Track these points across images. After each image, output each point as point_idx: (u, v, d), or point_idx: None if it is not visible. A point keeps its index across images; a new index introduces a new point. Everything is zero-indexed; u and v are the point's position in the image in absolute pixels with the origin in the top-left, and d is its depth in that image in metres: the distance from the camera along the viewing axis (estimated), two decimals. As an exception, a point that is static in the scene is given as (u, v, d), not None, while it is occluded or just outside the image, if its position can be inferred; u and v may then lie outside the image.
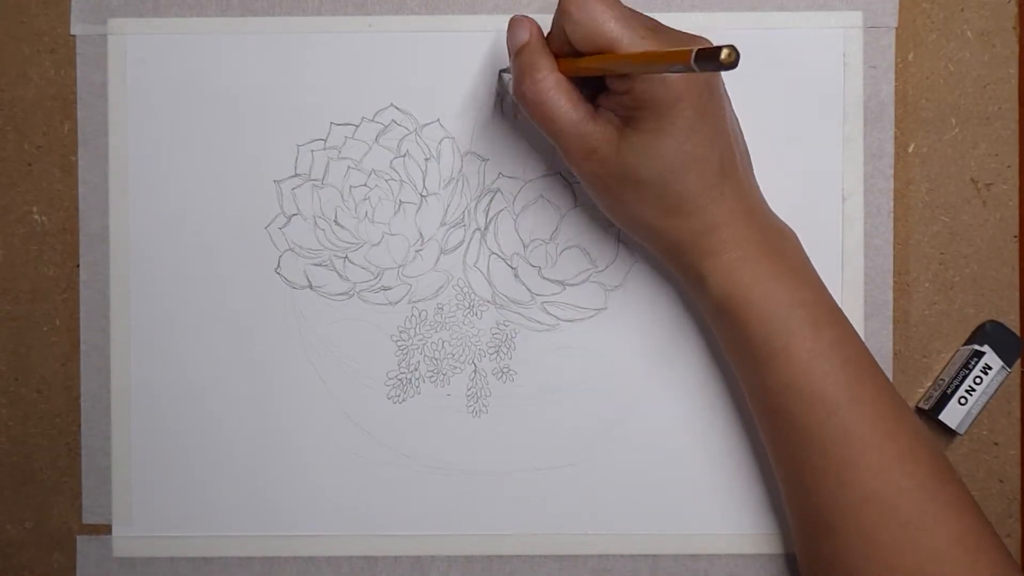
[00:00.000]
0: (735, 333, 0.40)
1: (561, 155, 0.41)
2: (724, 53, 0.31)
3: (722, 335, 0.42)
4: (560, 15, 0.39)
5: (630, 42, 0.37)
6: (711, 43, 0.39)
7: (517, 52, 0.40)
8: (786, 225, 0.42)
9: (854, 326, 0.45)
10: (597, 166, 0.39)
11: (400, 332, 0.46)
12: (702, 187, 0.39)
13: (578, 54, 0.39)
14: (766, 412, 0.41)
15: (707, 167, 0.39)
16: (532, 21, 0.41)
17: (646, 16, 0.39)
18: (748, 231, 0.40)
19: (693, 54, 0.32)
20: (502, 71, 0.46)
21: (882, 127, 0.46)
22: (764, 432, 0.42)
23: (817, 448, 0.39)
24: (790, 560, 0.46)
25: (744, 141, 0.42)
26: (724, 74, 0.41)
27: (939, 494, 0.38)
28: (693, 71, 0.32)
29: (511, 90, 0.41)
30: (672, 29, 0.39)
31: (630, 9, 0.38)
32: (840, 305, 0.45)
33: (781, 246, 0.41)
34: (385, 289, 0.46)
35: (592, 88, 0.40)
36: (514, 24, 0.41)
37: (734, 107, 0.42)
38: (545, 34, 0.41)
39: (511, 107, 0.46)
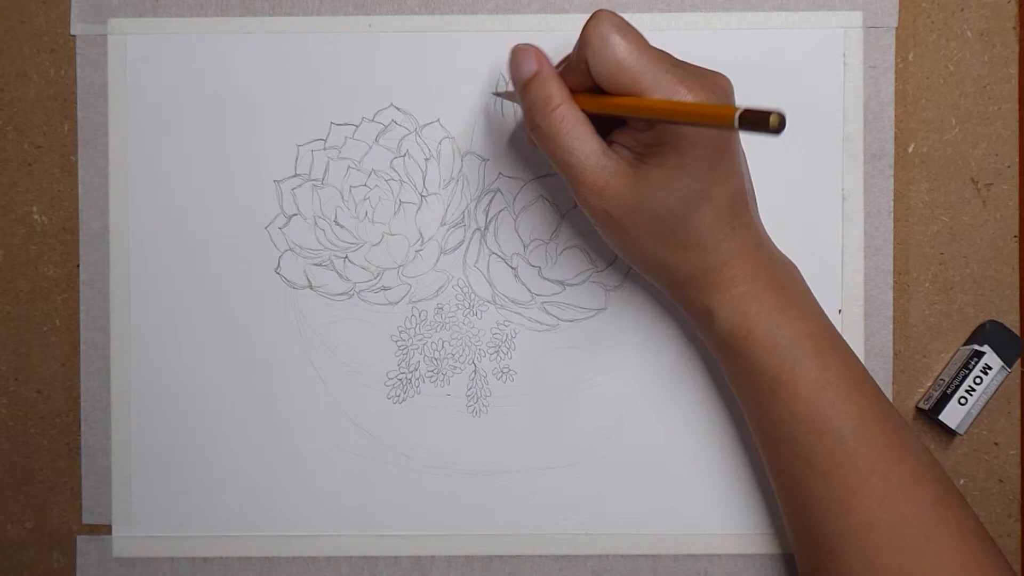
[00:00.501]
0: (741, 365, 0.40)
1: (571, 189, 0.40)
2: (773, 120, 0.30)
3: (728, 367, 0.42)
4: (581, 48, 0.38)
5: (652, 80, 0.37)
6: (731, 88, 0.39)
7: (526, 83, 0.40)
8: (788, 259, 0.42)
9: (855, 327, 0.45)
10: (609, 201, 0.39)
11: (400, 332, 0.46)
12: (715, 223, 0.39)
13: (594, 91, 0.39)
14: (771, 441, 0.41)
15: (721, 204, 0.39)
16: (538, 50, 0.40)
17: (665, 52, 0.38)
18: (755, 266, 0.40)
19: (737, 116, 0.31)
20: (495, 93, 0.45)
21: (882, 127, 0.46)
22: (768, 461, 0.42)
23: (822, 476, 0.39)
24: (789, 560, 0.46)
25: (750, 175, 0.42)
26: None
27: (944, 519, 0.39)
28: (732, 130, 0.32)
29: (523, 120, 0.40)
30: (690, 65, 0.38)
31: (650, 46, 0.38)
32: (840, 305, 0.45)
33: (786, 279, 0.41)
34: (385, 289, 0.46)
35: (604, 122, 0.40)
36: (519, 55, 0.40)
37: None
38: (555, 62, 0.41)
39: (525, 131, 0.46)
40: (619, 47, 0.37)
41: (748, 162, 0.42)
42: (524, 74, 0.40)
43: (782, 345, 0.39)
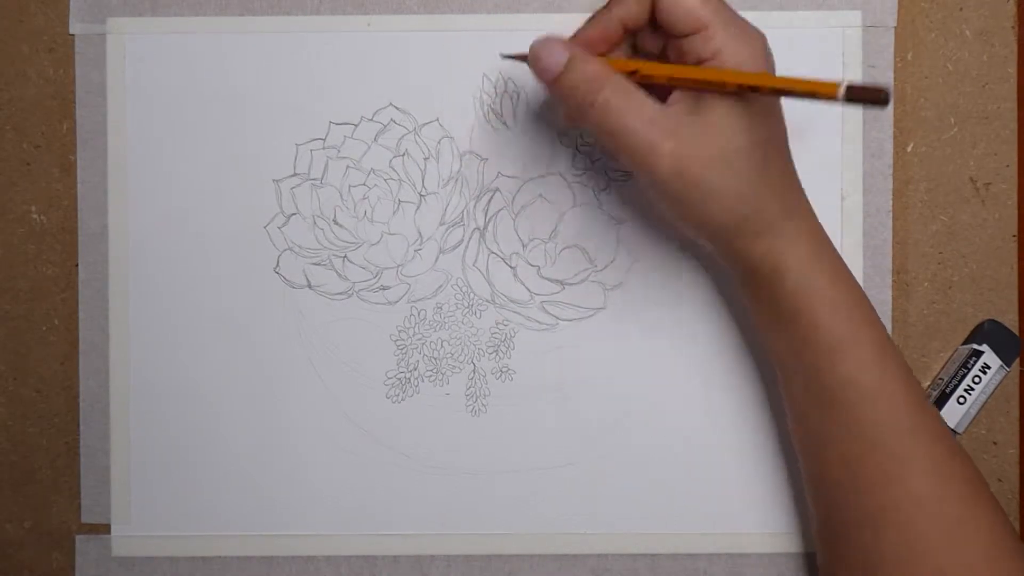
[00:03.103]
0: (803, 325, 0.39)
1: (634, 164, 0.38)
2: (883, 95, 0.33)
3: (785, 329, 0.40)
4: None
5: (720, 22, 0.37)
6: (768, 47, 0.39)
7: (557, 77, 0.38)
8: None
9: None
10: (683, 158, 0.37)
11: (399, 331, 0.46)
12: (787, 161, 0.39)
13: (627, 37, 0.39)
14: (821, 407, 0.40)
15: (782, 145, 0.39)
16: (559, 38, 0.39)
17: None
18: (816, 223, 0.40)
19: (842, 89, 0.33)
20: (504, 55, 0.42)
21: (881, 126, 0.46)
22: (807, 434, 0.41)
23: (873, 446, 0.38)
24: (790, 559, 0.46)
25: None
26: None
27: (977, 501, 0.39)
28: (837, 103, 0.34)
29: (564, 117, 0.40)
30: (736, 16, 0.38)
31: None
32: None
33: (832, 244, 0.41)
34: (384, 288, 0.46)
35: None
36: (543, 49, 0.38)
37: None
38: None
39: (567, 137, 0.45)
40: None
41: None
42: (555, 66, 0.38)
43: (847, 306, 0.39)
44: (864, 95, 0.33)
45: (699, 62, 0.38)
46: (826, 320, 0.39)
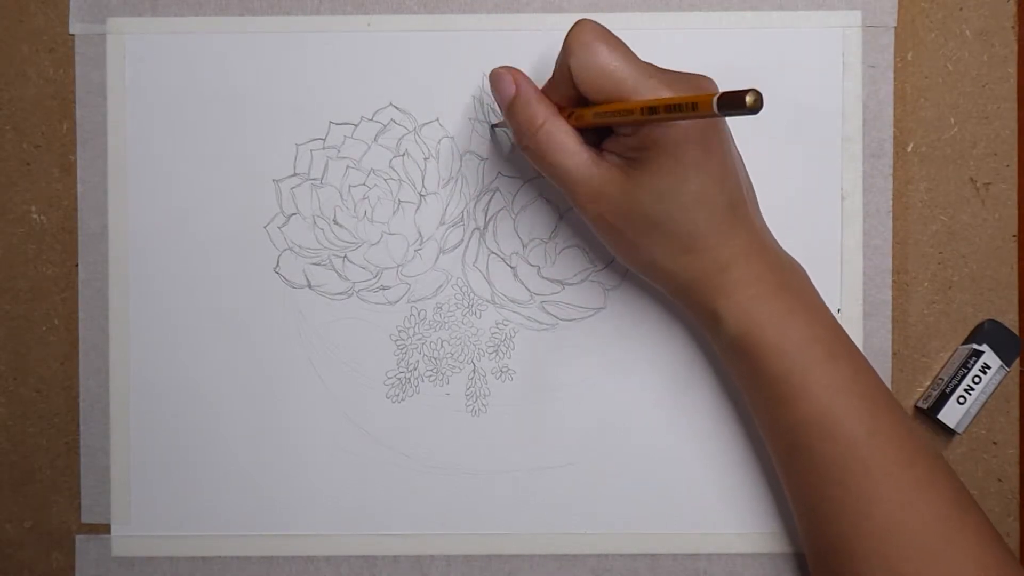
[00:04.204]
0: (752, 371, 0.40)
1: (569, 199, 0.41)
2: (749, 98, 0.30)
3: (739, 373, 0.42)
4: (565, 56, 0.38)
5: (635, 84, 0.37)
6: (715, 87, 0.39)
7: (509, 106, 0.41)
8: (794, 260, 0.42)
9: (854, 326, 0.45)
10: (605, 208, 0.39)
11: (399, 331, 0.46)
12: (712, 225, 0.39)
13: (580, 102, 0.39)
14: (785, 448, 0.41)
15: (716, 204, 0.38)
16: (516, 71, 0.41)
17: (647, 61, 0.38)
18: (760, 268, 0.40)
19: (715, 101, 0.32)
20: (493, 125, 0.46)
21: (881, 126, 0.46)
22: (782, 467, 0.42)
23: (836, 482, 0.39)
24: (789, 559, 0.46)
25: (749, 178, 0.41)
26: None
27: (962, 524, 0.38)
28: (715, 116, 0.32)
29: (514, 140, 0.41)
30: (672, 71, 0.38)
31: (633, 54, 0.38)
32: (839, 304, 0.45)
33: (792, 282, 0.41)
34: (384, 288, 0.46)
35: (594, 133, 0.40)
36: (496, 78, 0.41)
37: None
38: (540, 85, 0.41)
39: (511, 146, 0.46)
40: (601, 53, 0.37)
41: (746, 163, 0.42)
42: (506, 97, 0.41)
43: (792, 350, 0.39)
44: (735, 101, 0.31)
45: (627, 136, 0.38)
46: (771, 366, 0.39)
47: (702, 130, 0.37)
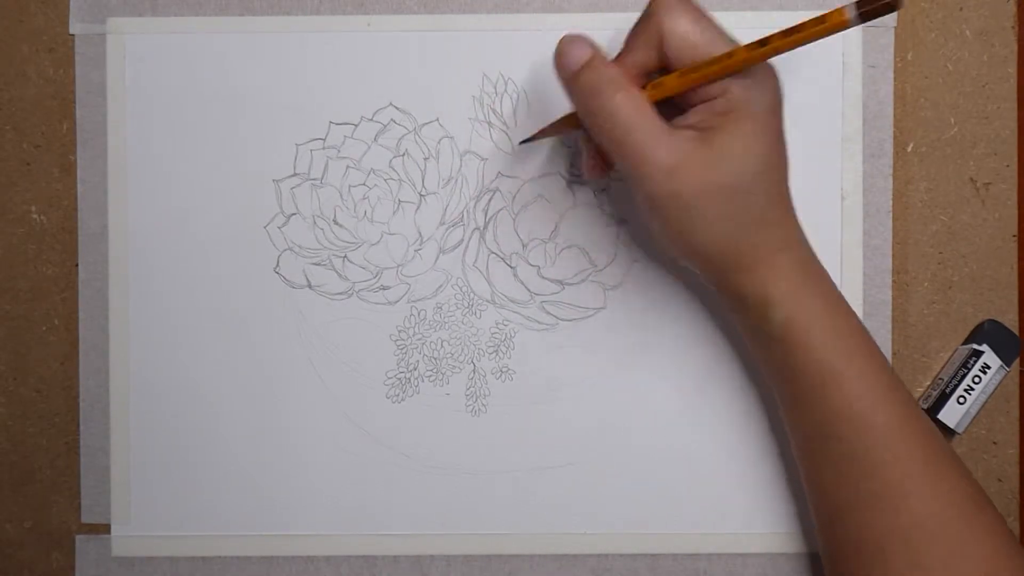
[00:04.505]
0: (793, 358, 0.39)
1: (632, 177, 0.38)
2: None
3: (775, 360, 0.40)
4: (655, 22, 0.37)
5: (724, 42, 0.37)
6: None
7: (576, 72, 0.38)
8: None
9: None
10: (682, 183, 0.37)
11: (399, 331, 0.46)
12: (781, 197, 0.39)
13: (657, 73, 0.38)
14: (816, 439, 0.40)
15: (784, 177, 0.38)
16: (587, 38, 0.39)
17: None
18: (808, 254, 0.40)
19: (854, 5, 0.33)
20: (521, 142, 0.45)
21: (881, 126, 0.46)
22: (810, 462, 0.41)
23: (867, 475, 0.39)
24: (789, 559, 0.46)
25: None
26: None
27: (980, 520, 0.39)
28: (845, 28, 0.33)
29: (579, 111, 0.39)
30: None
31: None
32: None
33: (826, 273, 0.40)
34: (384, 288, 0.46)
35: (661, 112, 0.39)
36: (566, 42, 0.38)
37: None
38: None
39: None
40: (691, 12, 0.37)
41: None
42: (576, 62, 0.38)
43: (838, 338, 0.39)
44: (876, 5, 0.32)
45: (710, 100, 0.38)
46: (815, 353, 0.39)
47: (777, 101, 0.38)
